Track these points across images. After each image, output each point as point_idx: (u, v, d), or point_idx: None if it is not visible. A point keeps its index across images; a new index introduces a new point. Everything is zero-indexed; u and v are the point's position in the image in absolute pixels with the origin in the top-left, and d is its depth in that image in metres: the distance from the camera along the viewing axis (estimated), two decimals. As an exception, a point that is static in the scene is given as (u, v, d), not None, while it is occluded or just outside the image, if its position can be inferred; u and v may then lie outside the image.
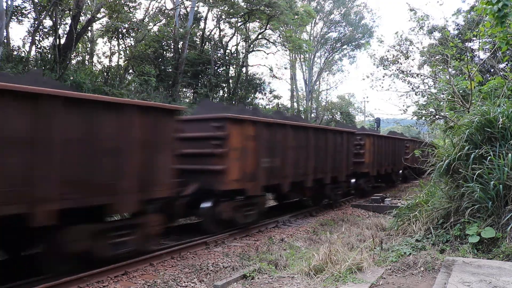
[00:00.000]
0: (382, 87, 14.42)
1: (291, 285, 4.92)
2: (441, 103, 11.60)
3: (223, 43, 25.84)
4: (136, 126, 5.98)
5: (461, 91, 10.32)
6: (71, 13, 15.64)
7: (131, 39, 19.49)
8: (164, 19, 22.99)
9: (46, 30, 16.20)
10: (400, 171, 20.15)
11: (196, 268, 6.13)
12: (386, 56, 14.90)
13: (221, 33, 26.04)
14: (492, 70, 15.43)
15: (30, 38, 15.56)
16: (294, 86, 37.59)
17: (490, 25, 6.34)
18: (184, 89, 24.63)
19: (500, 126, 6.23)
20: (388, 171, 17.59)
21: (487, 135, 6.42)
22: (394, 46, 14.84)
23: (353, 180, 14.64)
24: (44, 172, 4.85)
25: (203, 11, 24.59)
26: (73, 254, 5.40)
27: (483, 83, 10.19)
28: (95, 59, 21.46)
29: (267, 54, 28.85)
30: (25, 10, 15.57)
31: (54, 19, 15.07)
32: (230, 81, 24.91)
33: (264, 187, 9.20)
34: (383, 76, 14.60)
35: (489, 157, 5.95)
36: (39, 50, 15.83)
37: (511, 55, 10.08)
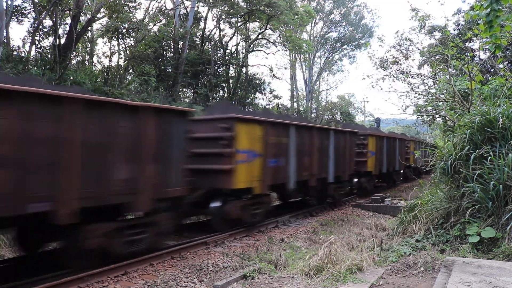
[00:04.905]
0: (381, 88, 14.46)
1: (291, 285, 4.92)
2: (441, 103, 11.60)
3: (223, 43, 25.81)
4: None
5: (461, 91, 10.32)
6: (71, 13, 15.61)
7: (131, 39, 19.46)
8: (164, 19, 22.95)
9: (46, 30, 16.16)
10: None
11: (196, 268, 6.13)
12: (385, 57, 14.91)
13: (221, 33, 26.03)
14: (492, 70, 15.42)
15: (30, 38, 15.53)
16: (294, 86, 37.58)
17: (483, 28, 6.38)
18: (184, 89, 24.58)
19: (500, 126, 6.23)
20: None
21: (487, 135, 6.42)
22: (394, 46, 14.86)
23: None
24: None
25: (203, 11, 24.60)
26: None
27: (483, 83, 10.17)
28: (95, 59, 21.46)
29: (267, 54, 28.77)
30: (25, 10, 15.55)
31: (54, 19, 15.05)
32: (230, 81, 24.87)
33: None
34: (383, 78, 14.61)
35: (489, 157, 5.95)
36: (39, 50, 15.80)
37: (510, 55, 10.08)
